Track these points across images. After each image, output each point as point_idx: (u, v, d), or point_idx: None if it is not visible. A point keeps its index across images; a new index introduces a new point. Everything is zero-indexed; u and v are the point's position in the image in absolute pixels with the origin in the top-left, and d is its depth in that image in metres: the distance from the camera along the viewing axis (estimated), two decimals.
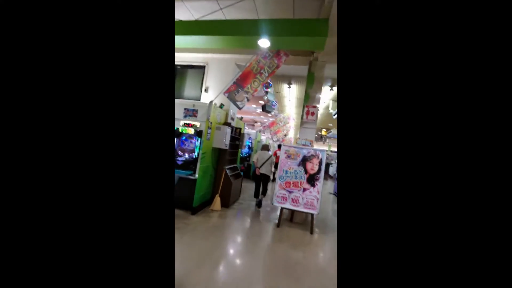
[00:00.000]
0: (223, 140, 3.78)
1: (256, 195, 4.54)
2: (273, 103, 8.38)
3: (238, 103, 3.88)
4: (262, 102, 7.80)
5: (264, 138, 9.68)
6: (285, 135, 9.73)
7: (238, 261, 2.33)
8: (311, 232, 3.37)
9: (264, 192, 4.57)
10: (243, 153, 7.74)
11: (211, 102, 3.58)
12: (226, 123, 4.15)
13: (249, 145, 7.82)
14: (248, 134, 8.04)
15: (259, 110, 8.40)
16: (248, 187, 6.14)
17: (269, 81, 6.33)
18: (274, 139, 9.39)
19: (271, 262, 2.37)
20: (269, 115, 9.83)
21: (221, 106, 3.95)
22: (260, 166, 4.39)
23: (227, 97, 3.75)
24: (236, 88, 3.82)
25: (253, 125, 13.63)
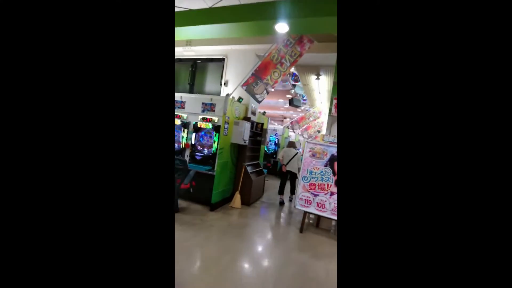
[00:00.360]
0: (242, 135, 3.57)
1: (280, 191, 4.34)
2: (304, 97, 7.85)
3: (257, 96, 3.61)
4: (289, 96, 7.35)
5: (293, 134, 9.20)
6: (318, 131, 9.05)
7: (248, 270, 2.10)
8: None
9: (293, 191, 4.30)
10: (270, 149, 7.46)
11: (227, 95, 3.40)
12: (246, 118, 3.93)
13: (275, 142, 7.50)
14: (275, 130, 7.72)
15: (287, 105, 7.98)
16: (274, 185, 5.85)
17: (295, 72, 5.89)
18: (304, 136, 8.84)
19: (287, 276, 2.07)
20: (298, 110, 9.29)
21: (240, 99, 3.74)
22: (286, 164, 4.23)
23: (245, 90, 3.51)
24: (255, 80, 3.56)
25: (282, 121, 13.18)
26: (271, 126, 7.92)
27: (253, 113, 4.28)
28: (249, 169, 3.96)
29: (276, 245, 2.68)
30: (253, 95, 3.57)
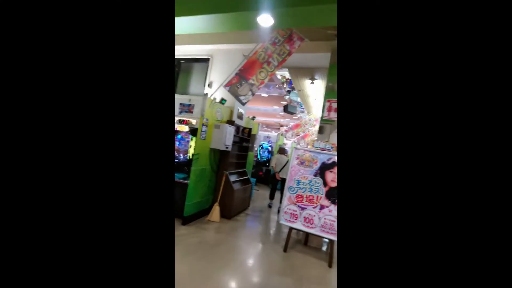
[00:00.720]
0: (223, 140, 3.24)
1: (271, 196, 4.61)
2: (302, 105, 7.58)
3: (242, 97, 3.30)
4: (284, 103, 7.08)
5: (290, 142, 8.85)
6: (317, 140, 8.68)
7: None
8: (329, 265, 2.51)
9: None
10: (263, 157, 7.10)
11: (205, 95, 3.09)
12: (229, 122, 3.61)
13: (268, 149, 7.14)
14: (269, 137, 7.39)
15: (283, 112, 7.70)
16: (264, 195, 5.45)
17: (292, 81, 5.63)
18: (301, 144, 8.48)
19: None
20: (295, 117, 9.00)
21: (222, 101, 3.43)
22: (280, 171, 4.22)
23: (228, 91, 3.21)
24: (239, 80, 3.27)
25: (279, 128, 12.89)
26: (265, 133, 7.61)
27: (240, 117, 3.96)
28: (232, 177, 3.60)
29: (252, 267, 2.27)
30: (236, 97, 3.26)
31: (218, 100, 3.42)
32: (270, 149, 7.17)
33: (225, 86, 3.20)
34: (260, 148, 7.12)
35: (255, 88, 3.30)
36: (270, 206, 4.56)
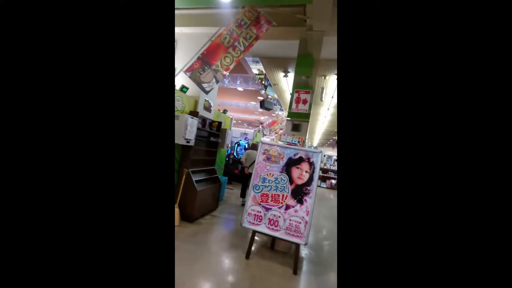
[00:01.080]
0: (183, 133, 2.86)
1: (242, 194, 4.49)
2: (280, 103, 7.37)
3: (205, 85, 2.95)
4: (261, 98, 6.81)
5: (269, 139, 8.64)
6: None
7: None
8: (295, 272, 2.26)
9: None
10: (239, 154, 6.78)
11: None
12: (193, 113, 3.23)
13: (245, 146, 6.84)
14: (245, 134, 7.09)
15: (262, 109, 7.44)
16: (238, 195, 5.13)
17: (263, 70, 5.36)
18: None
19: None
20: (273, 115, 8.79)
21: (183, 89, 3.04)
22: (249, 166, 4.08)
23: (189, 77, 2.84)
24: (202, 66, 2.91)
25: (259, 126, 12.66)
26: (242, 129, 7.30)
27: (207, 108, 3.60)
28: (197, 176, 3.24)
29: (205, 281, 1.94)
30: (199, 84, 2.90)
31: (178, 87, 3.03)
32: (247, 146, 6.88)
33: (186, 71, 2.82)
34: (236, 145, 6.80)
35: (219, 75, 2.96)
36: (243, 204, 4.38)
